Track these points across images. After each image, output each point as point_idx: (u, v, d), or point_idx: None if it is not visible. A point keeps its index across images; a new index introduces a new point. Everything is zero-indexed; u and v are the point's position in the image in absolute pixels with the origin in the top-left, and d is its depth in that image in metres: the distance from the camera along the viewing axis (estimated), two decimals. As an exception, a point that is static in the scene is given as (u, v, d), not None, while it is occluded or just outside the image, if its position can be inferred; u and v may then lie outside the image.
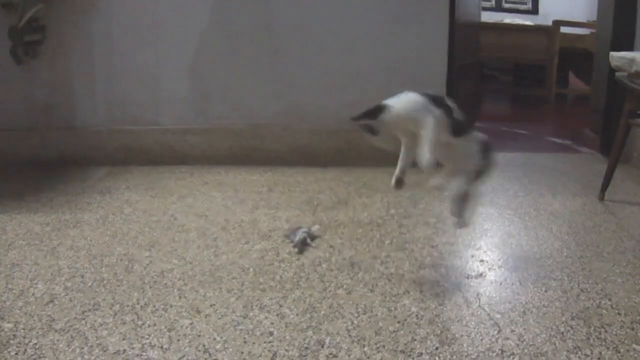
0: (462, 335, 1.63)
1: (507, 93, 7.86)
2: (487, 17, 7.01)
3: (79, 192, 2.97)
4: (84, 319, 1.71)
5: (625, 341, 1.61)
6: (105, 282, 1.96)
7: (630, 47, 3.57)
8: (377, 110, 1.90)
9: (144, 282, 1.96)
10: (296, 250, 2.22)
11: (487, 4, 7.88)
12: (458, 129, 1.93)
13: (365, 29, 3.46)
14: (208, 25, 3.44)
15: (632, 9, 3.66)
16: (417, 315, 1.74)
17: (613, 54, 2.74)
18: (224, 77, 3.51)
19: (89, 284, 1.94)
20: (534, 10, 8.06)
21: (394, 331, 1.65)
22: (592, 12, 5.34)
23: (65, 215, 2.63)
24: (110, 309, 1.78)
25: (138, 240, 2.33)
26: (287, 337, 1.62)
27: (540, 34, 6.77)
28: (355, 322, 1.70)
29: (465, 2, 4.00)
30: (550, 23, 6.75)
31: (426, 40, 3.46)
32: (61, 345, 1.57)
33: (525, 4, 8.11)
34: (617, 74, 2.76)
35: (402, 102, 1.92)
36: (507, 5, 8.06)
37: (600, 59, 4.05)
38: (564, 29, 6.67)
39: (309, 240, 2.28)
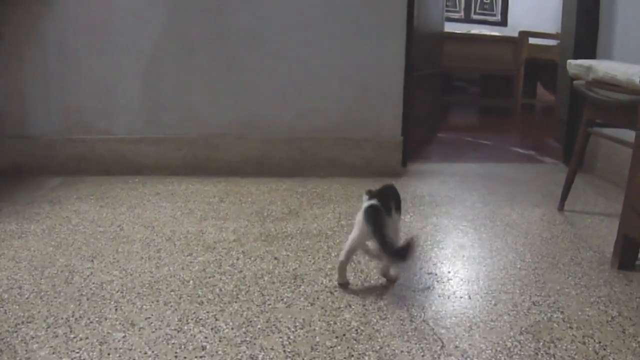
0: (402, 352, 1.57)
1: (474, 104, 7.91)
2: (456, 28, 7.06)
3: (28, 202, 2.90)
4: (16, 331, 1.65)
5: (576, 356, 1.57)
6: (42, 293, 1.90)
7: (592, 57, 3.57)
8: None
9: (81, 294, 1.89)
10: None
11: (456, 15, 7.97)
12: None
13: (320, 38, 3.45)
14: (162, 33, 3.40)
15: (594, 19, 3.68)
16: (356, 330, 1.69)
17: (570, 61, 2.72)
18: (178, 86, 3.47)
19: (26, 296, 1.88)
20: (503, 22, 8.14)
21: (331, 347, 1.59)
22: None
23: (12, 226, 2.56)
24: (44, 321, 1.72)
25: (81, 251, 2.27)
26: (220, 352, 1.56)
27: (507, 45, 6.82)
28: (291, 337, 1.65)
29: (426, 12, 3.99)
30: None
31: (382, 49, 3.46)
32: (-13, 361, 1.51)
33: (495, 15, 8.17)
34: (574, 82, 2.74)
35: None
36: (476, 17, 8.13)
37: (564, 68, 4.06)
38: (532, 40, 6.72)
39: None
